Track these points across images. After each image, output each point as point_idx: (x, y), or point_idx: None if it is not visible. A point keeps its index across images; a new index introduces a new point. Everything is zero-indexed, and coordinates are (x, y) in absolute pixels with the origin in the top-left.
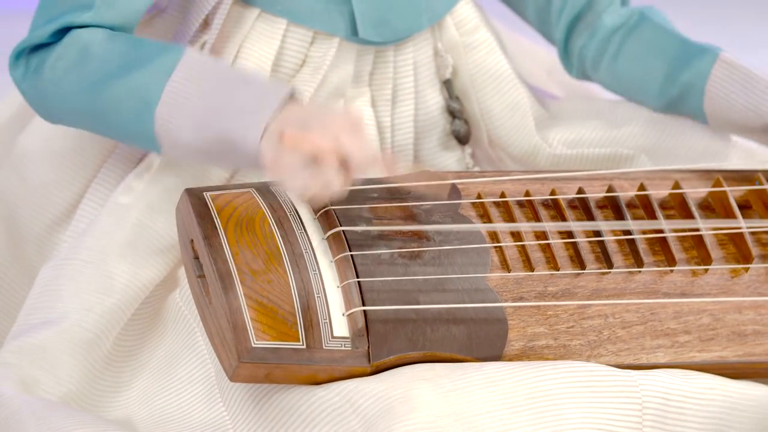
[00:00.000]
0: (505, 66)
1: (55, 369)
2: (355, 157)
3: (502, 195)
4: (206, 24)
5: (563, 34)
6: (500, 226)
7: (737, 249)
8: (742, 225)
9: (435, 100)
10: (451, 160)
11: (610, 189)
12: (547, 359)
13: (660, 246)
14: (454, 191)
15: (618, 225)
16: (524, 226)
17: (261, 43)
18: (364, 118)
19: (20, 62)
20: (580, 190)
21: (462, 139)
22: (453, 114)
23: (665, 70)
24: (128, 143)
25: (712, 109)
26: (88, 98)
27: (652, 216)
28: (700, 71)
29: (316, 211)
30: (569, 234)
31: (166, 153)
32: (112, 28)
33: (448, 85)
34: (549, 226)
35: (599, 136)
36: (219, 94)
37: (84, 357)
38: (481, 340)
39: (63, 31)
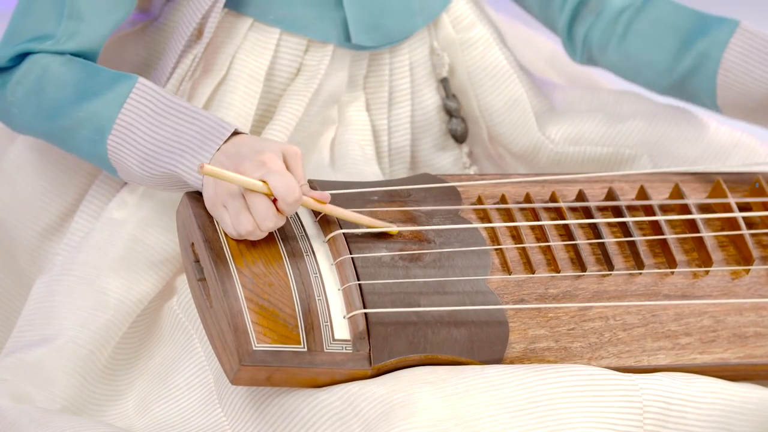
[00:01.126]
0: (503, 62)
1: (49, 386)
2: (281, 196)
3: (503, 197)
4: (200, 34)
5: (567, 20)
6: (501, 228)
7: (738, 251)
8: (743, 227)
9: (432, 99)
10: (448, 159)
11: (610, 191)
12: (548, 361)
13: (660, 248)
14: (455, 194)
15: (618, 227)
16: (525, 229)
17: (254, 54)
18: (359, 124)
19: None
20: (581, 192)
21: (459, 137)
22: (450, 113)
23: (678, 44)
24: (92, 164)
25: (726, 80)
26: (47, 124)
27: (652, 218)
28: (718, 40)
29: (316, 214)
30: (570, 236)
31: (123, 179)
32: (73, 54)
33: (444, 83)
34: (549, 228)
35: (601, 132)
36: (165, 128)
37: (79, 373)
38: (482, 343)
39: (22, 56)
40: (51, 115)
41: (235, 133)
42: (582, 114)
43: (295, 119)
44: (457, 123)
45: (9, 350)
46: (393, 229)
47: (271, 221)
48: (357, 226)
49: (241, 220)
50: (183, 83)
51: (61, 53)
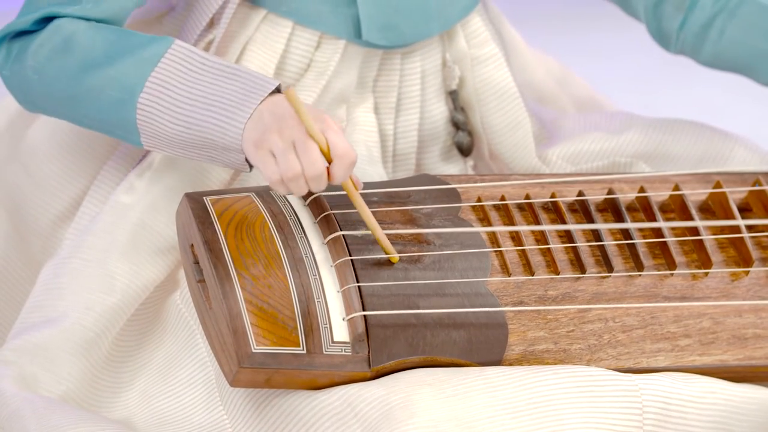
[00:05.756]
0: (510, 83)
1: (54, 367)
2: (340, 155)
3: (502, 199)
4: (212, 23)
5: (649, 15)
6: (500, 229)
7: (737, 252)
8: (742, 228)
9: (440, 110)
10: (452, 171)
11: (610, 192)
12: (548, 363)
13: (660, 249)
14: (454, 195)
15: (618, 228)
16: (524, 230)
17: (265, 46)
18: (367, 125)
19: (2, 48)
20: (580, 194)
21: (464, 150)
22: (457, 125)
23: None
24: (107, 133)
25: None
26: (70, 86)
27: (652, 219)
28: None
29: (316, 216)
30: (569, 238)
31: (145, 144)
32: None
33: (453, 96)
34: (549, 229)
35: (598, 147)
36: (205, 84)
37: (84, 356)
38: (482, 345)
39: (46, 20)
40: (77, 76)
41: (277, 90)
42: (578, 136)
43: None
44: (463, 136)
45: (15, 333)
46: (395, 255)
47: (318, 170)
48: (357, 227)
49: (289, 161)
50: None
51: (87, 19)
